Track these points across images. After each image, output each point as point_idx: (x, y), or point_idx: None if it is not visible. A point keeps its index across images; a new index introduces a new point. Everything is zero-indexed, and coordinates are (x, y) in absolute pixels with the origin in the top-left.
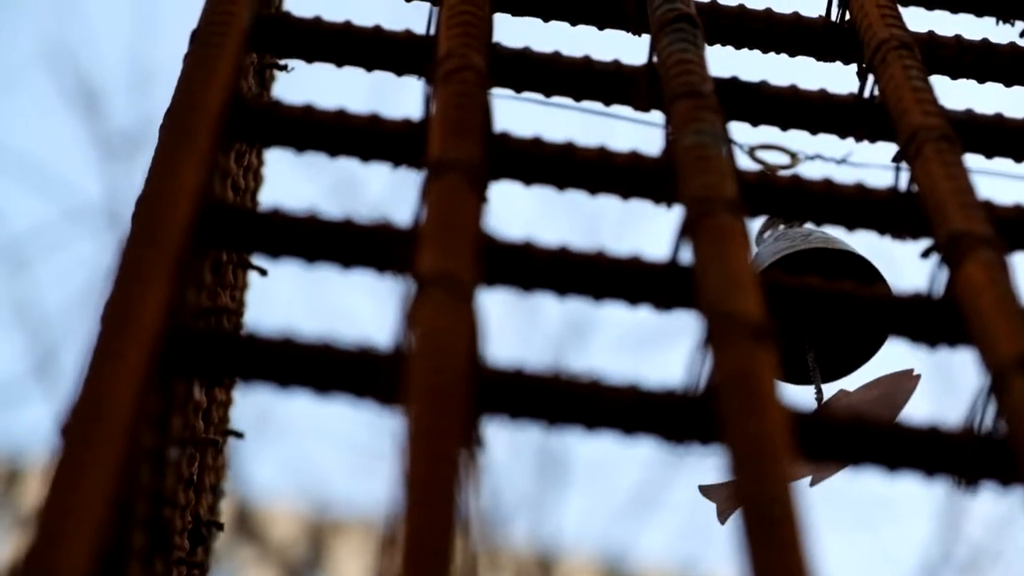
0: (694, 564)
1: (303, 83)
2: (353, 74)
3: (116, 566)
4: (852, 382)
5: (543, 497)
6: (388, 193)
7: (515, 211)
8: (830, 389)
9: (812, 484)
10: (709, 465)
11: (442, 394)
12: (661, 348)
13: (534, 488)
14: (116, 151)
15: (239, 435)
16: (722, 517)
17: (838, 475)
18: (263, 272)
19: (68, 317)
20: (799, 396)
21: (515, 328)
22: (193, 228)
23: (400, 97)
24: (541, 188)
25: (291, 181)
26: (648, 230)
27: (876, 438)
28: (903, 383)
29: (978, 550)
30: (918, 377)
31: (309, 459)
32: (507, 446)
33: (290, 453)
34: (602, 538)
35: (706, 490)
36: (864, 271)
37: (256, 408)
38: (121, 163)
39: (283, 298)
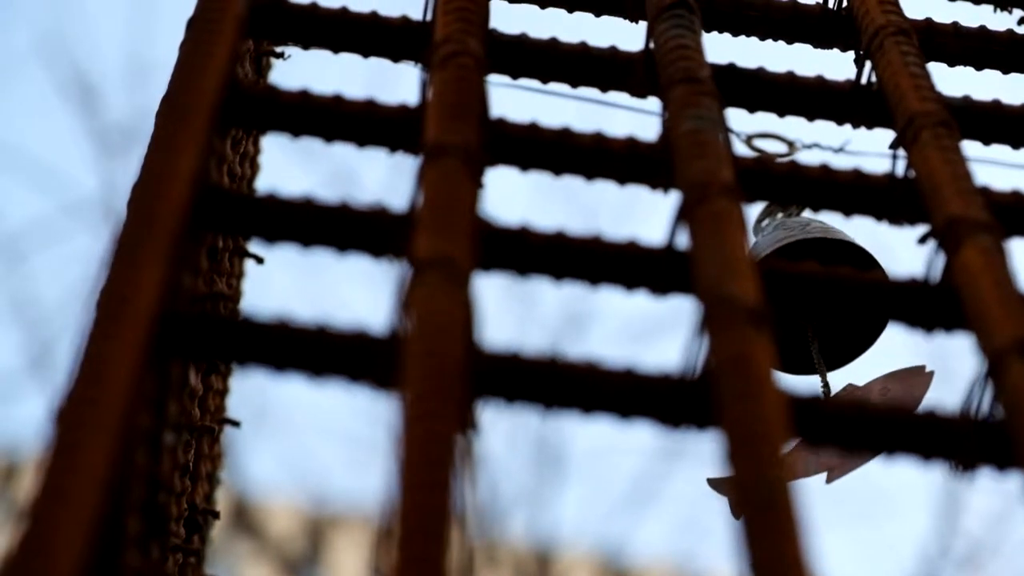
0: (692, 558)
1: (300, 71)
2: (351, 63)
3: (113, 551)
4: (853, 373)
5: (541, 491)
6: (385, 184)
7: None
8: (833, 378)
9: (828, 481)
10: (706, 456)
11: (438, 378)
12: (660, 340)
13: (532, 482)
14: (113, 145)
15: (235, 424)
16: (737, 511)
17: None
18: (260, 260)
19: (65, 311)
20: (801, 387)
21: (513, 320)
22: (189, 212)
23: (398, 87)
24: (538, 174)
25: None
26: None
27: (873, 423)
28: (915, 380)
29: (977, 544)
30: (931, 374)
31: (308, 453)
32: (504, 440)
33: (289, 447)
34: (600, 532)
35: (715, 483)
36: (863, 261)
37: (254, 402)
38: (118, 157)
39: (281, 288)
